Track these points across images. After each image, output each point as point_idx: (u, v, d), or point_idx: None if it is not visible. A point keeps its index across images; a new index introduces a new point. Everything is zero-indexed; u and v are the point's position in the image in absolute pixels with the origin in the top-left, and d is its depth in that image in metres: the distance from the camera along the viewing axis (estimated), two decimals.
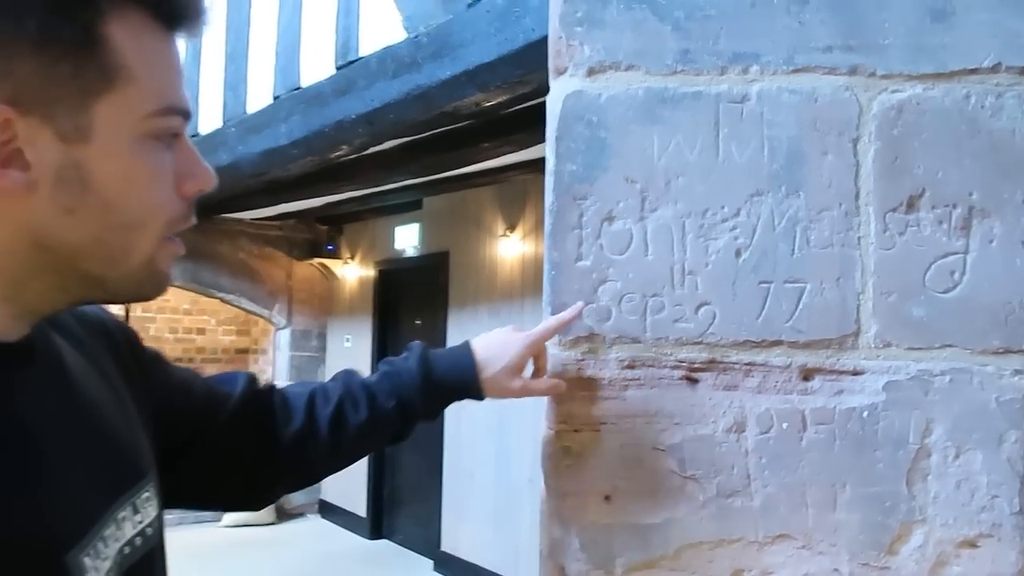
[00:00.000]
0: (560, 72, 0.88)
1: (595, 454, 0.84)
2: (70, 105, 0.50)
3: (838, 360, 0.84)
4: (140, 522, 0.61)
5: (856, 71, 0.85)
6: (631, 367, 0.84)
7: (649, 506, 0.83)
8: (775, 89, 0.86)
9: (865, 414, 0.83)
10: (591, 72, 0.87)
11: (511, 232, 4.52)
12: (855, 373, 0.83)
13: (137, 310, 6.60)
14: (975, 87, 0.84)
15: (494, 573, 4.44)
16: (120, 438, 0.63)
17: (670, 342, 0.84)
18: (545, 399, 0.86)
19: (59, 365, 0.59)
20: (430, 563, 4.96)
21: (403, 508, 5.57)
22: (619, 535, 0.83)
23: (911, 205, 0.84)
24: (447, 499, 4.92)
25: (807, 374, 0.84)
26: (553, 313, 0.85)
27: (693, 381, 0.84)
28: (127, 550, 0.58)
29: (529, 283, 4.46)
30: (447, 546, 4.86)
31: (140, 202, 0.54)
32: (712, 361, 0.84)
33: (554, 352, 0.84)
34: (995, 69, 0.84)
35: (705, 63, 0.86)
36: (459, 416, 4.90)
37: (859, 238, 0.84)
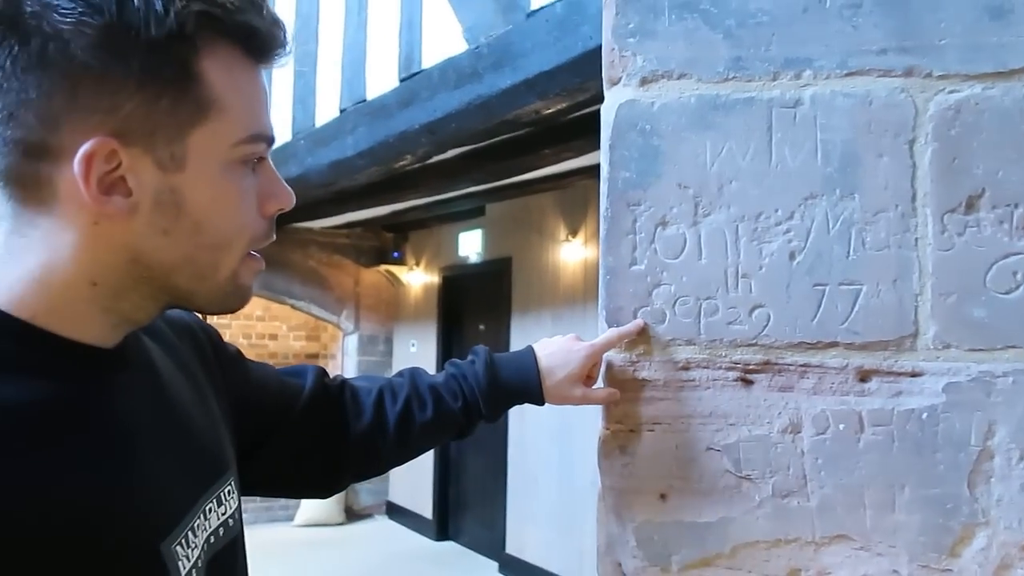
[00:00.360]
0: (613, 82, 0.91)
1: (650, 453, 0.86)
2: (168, 136, 0.54)
3: (896, 362, 0.84)
4: (224, 513, 0.66)
5: (911, 72, 0.85)
6: (686, 368, 0.86)
7: (705, 505, 0.85)
8: (828, 93, 0.86)
9: (924, 416, 0.82)
10: (644, 82, 0.89)
11: (573, 237, 4.54)
12: (914, 375, 0.83)
13: (213, 317, 6.84)
14: None
15: None
16: (204, 435, 0.68)
17: (724, 344, 0.85)
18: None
19: (150, 368, 0.65)
20: (495, 565, 5.00)
21: (468, 510, 5.64)
22: (675, 533, 0.85)
23: (970, 206, 0.83)
24: (512, 501, 4.96)
25: (864, 375, 0.84)
26: (608, 317, 0.87)
27: (748, 382, 0.85)
28: (212, 539, 0.63)
29: (591, 288, 4.47)
30: (512, 548, 4.89)
31: (228, 223, 0.58)
32: (767, 363, 0.85)
33: (610, 354, 0.87)
34: None
35: (757, 69, 0.87)
36: (523, 419, 4.94)
37: (916, 239, 0.84)
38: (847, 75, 0.85)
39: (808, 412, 0.84)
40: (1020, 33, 0.83)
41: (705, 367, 0.86)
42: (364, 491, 6.39)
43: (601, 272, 0.89)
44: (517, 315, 5.09)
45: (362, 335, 6.44)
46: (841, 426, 0.83)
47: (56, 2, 0.51)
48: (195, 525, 0.61)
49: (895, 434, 0.82)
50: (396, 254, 6.41)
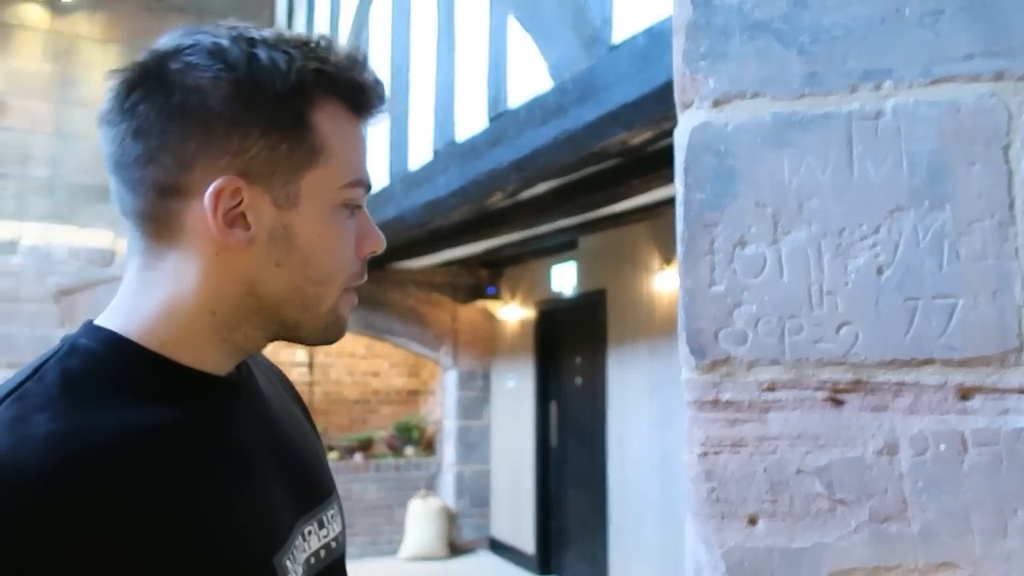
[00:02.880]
0: (687, 106, 0.91)
1: (738, 477, 0.84)
2: (284, 177, 0.62)
3: (1000, 378, 0.79)
4: (326, 536, 0.70)
5: (1002, 76, 0.82)
6: (771, 389, 0.84)
7: (797, 530, 0.82)
8: (912, 103, 0.84)
9: None
10: (717, 103, 0.89)
11: (667, 266, 4.49)
12: (1021, 391, 0.78)
13: (319, 355, 7.15)
14: None
15: None
16: (306, 460, 0.74)
17: (811, 363, 0.83)
18: (686, 424, 0.88)
19: (257, 395, 0.71)
20: None
21: (570, 545, 5.57)
22: (766, 559, 0.83)
23: None
24: (614, 537, 4.88)
25: (965, 393, 0.80)
26: (689, 339, 0.87)
27: (838, 403, 0.83)
28: (313, 560, 0.68)
29: None
30: None
31: (331, 259, 0.64)
32: (857, 382, 0.82)
33: (690, 376, 0.86)
34: None
35: (834, 83, 0.86)
36: (623, 452, 4.87)
37: (1016, 249, 0.80)
38: (931, 83, 0.83)
39: (905, 433, 0.80)
40: None
41: (791, 387, 0.84)
42: (466, 526, 6.44)
43: (680, 294, 0.89)
44: (613, 347, 5.05)
45: (461, 371, 6.54)
46: (942, 447, 0.79)
47: (197, 61, 0.59)
48: (296, 544, 0.65)
49: (1003, 454, 0.78)
50: (491, 290, 6.51)
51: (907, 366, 0.81)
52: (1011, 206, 0.80)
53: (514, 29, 2.81)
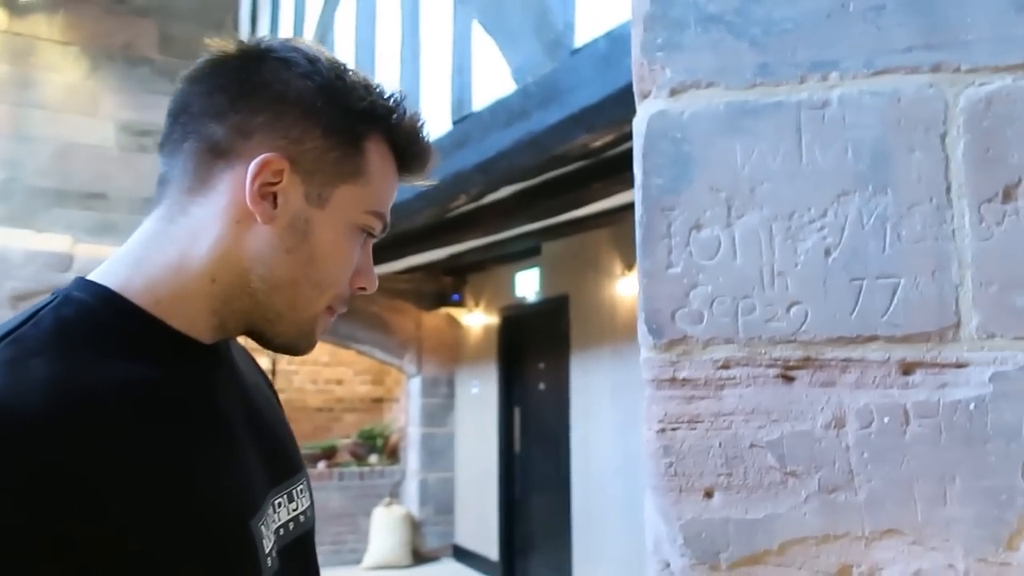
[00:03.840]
0: (644, 95, 0.94)
1: (694, 452, 0.87)
2: (323, 179, 0.68)
3: (939, 353, 0.83)
4: (295, 509, 0.73)
5: (939, 68, 0.86)
6: (726, 367, 0.87)
7: (751, 501, 0.85)
8: (856, 93, 0.88)
9: (972, 406, 0.82)
10: (673, 92, 0.92)
11: (629, 271, 4.54)
12: (958, 365, 0.82)
13: (282, 362, 7.08)
14: None
15: None
16: (277, 435, 0.76)
17: (763, 341, 0.86)
18: (645, 402, 0.90)
19: (235, 368, 0.74)
20: None
21: (535, 551, 5.58)
22: (722, 530, 0.85)
23: (1007, 195, 0.83)
24: (578, 542, 4.90)
25: (907, 368, 0.84)
26: (647, 319, 0.90)
27: (789, 379, 0.86)
28: (282, 531, 0.70)
29: None
30: None
31: (333, 268, 0.69)
32: (807, 359, 0.86)
33: (648, 355, 0.89)
34: None
35: (784, 74, 0.90)
36: (587, 458, 4.90)
37: (953, 231, 0.84)
38: (874, 74, 0.87)
39: (851, 407, 0.84)
40: None
41: (745, 365, 0.87)
42: (430, 534, 6.41)
43: (639, 276, 0.92)
44: (577, 352, 5.09)
45: (425, 378, 6.53)
46: (886, 419, 0.83)
47: (295, 59, 0.67)
48: (267, 514, 0.67)
49: (942, 426, 0.81)
50: (455, 297, 6.52)
51: (853, 343, 0.84)
52: (948, 190, 0.84)
53: (478, 33, 2.85)
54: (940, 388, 0.82)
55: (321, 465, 6.36)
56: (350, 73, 0.69)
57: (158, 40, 5.96)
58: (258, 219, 0.65)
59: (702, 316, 0.88)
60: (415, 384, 6.56)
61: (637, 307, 0.93)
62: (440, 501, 6.44)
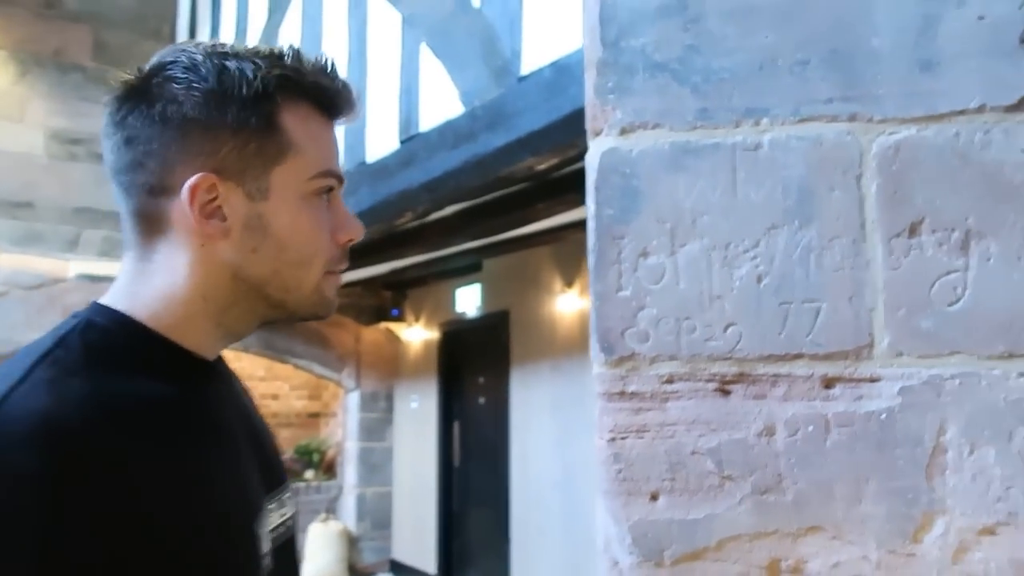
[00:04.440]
0: (596, 133, 1.04)
1: (641, 459, 0.96)
2: (255, 173, 0.68)
3: (856, 369, 0.94)
4: (283, 515, 0.78)
5: (855, 118, 0.98)
6: (670, 381, 0.96)
7: (692, 503, 0.94)
8: (784, 137, 0.99)
9: (883, 416, 0.92)
10: (623, 131, 1.02)
11: (569, 288, 4.66)
12: (872, 380, 0.93)
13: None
14: (964, 126, 0.96)
15: None
16: (268, 448, 0.81)
17: (703, 358, 0.96)
18: (596, 413, 0.99)
19: (232, 384, 0.79)
20: None
21: (473, 565, 5.61)
22: (666, 530, 0.94)
23: (913, 231, 0.95)
24: (516, 555, 4.95)
25: (828, 383, 0.94)
26: (599, 338, 0.98)
27: (726, 392, 0.96)
28: (273, 535, 0.74)
29: (589, 338, 4.56)
30: None
31: (306, 244, 0.70)
32: (742, 374, 0.96)
33: (600, 371, 0.97)
34: (981, 109, 0.95)
35: (721, 118, 1.00)
36: (525, 471, 4.97)
37: (867, 261, 0.95)
38: (800, 121, 0.98)
39: (780, 417, 0.94)
40: (947, 82, 0.96)
41: (687, 379, 0.96)
42: (368, 549, 6.36)
43: (592, 298, 1.00)
44: (516, 367, 5.17)
45: (363, 392, 6.50)
46: (810, 428, 0.93)
47: (174, 74, 0.66)
48: (268, 520, 0.73)
49: (858, 434, 0.92)
50: (395, 312, 6.53)
51: (782, 360, 0.95)
52: (863, 225, 0.95)
53: (426, 56, 2.92)
54: (856, 400, 0.93)
55: None
56: (233, 59, 0.67)
57: (92, 47, 5.81)
58: (216, 236, 0.68)
59: (648, 335, 0.97)
60: (353, 398, 6.52)
61: (590, 326, 1.02)
62: (377, 516, 6.41)
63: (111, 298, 0.70)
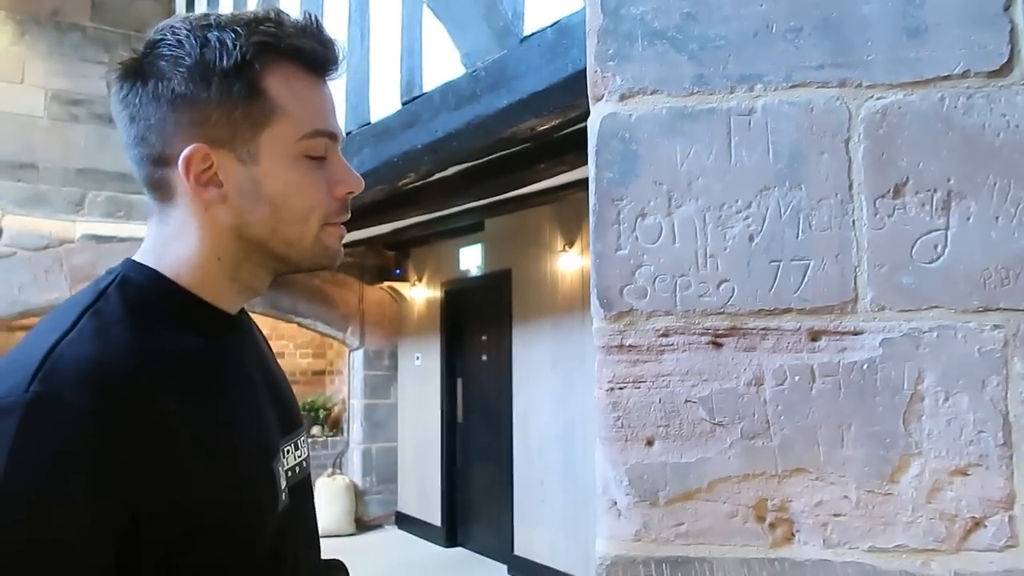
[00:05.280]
0: (597, 99, 1.08)
1: (638, 407, 1.02)
2: (244, 139, 0.72)
3: (840, 323, 1.00)
4: (299, 456, 0.84)
5: (845, 83, 1.02)
6: (665, 335, 1.02)
7: (685, 448, 1.01)
8: (777, 102, 1.03)
9: (865, 367, 0.99)
10: (623, 97, 1.06)
11: (570, 248, 4.71)
12: (855, 333, 0.99)
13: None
14: (948, 91, 1.01)
15: (566, 574, 4.58)
16: (285, 394, 0.87)
17: (697, 313, 1.02)
18: (596, 365, 1.05)
19: (254, 335, 0.85)
20: (504, 567, 5.12)
21: (476, 517, 5.76)
22: (661, 472, 1.01)
23: (897, 192, 1.00)
24: (519, 506, 5.09)
25: (814, 336, 1.00)
26: (599, 295, 1.04)
27: (718, 345, 1.02)
28: (290, 474, 0.81)
29: (589, 295, 4.63)
30: (520, 550, 5.02)
31: (300, 202, 0.74)
32: (733, 328, 1.02)
33: (600, 325, 1.04)
34: (965, 75, 1.00)
35: (717, 84, 1.04)
36: (527, 426, 5.08)
37: (853, 221, 1.00)
38: (792, 87, 1.03)
39: (768, 367, 1.00)
40: (933, 48, 1.00)
41: (681, 333, 1.02)
42: (373, 503, 6.52)
43: (592, 257, 1.06)
44: (518, 324, 5.25)
45: (367, 350, 6.59)
46: (796, 378, 0.99)
47: (163, 52, 0.70)
48: (286, 457, 0.79)
49: (841, 383, 0.98)
50: (398, 271, 6.58)
51: (771, 315, 1.01)
52: (850, 187, 1.00)
53: (428, 18, 2.92)
54: (840, 352, 0.99)
55: None
56: (215, 30, 0.70)
57: (90, 6, 5.76)
58: (216, 202, 0.72)
59: (646, 292, 1.03)
60: (358, 356, 6.62)
61: (590, 284, 1.07)
62: (383, 470, 6.56)
63: (142, 256, 0.75)
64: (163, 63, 0.70)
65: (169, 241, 0.75)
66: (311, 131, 0.74)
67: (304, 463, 0.85)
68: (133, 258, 0.76)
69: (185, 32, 0.70)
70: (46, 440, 0.60)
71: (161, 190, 0.74)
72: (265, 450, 0.75)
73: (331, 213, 0.77)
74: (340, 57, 0.77)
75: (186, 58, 0.70)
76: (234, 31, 0.70)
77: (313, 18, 0.75)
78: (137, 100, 0.71)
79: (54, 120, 5.66)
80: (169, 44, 0.70)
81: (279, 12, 0.74)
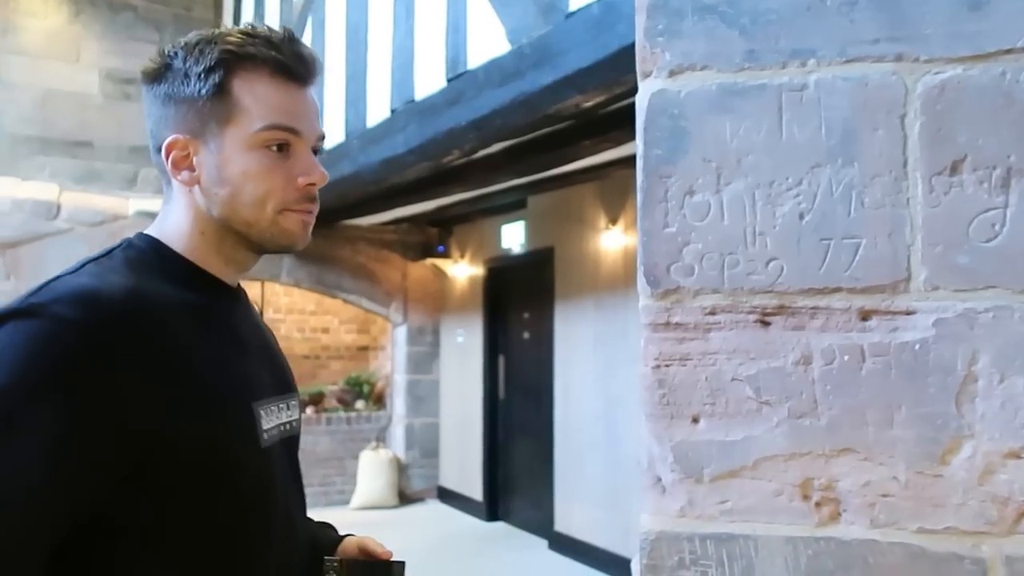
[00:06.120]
0: (646, 75, 1.07)
1: (684, 385, 1.03)
2: (212, 131, 0.85)
3: (892, 302, 0.99)
4: (289, 416, 0.95)
5: (901, 58, 1.00)
6: (712, 313, 1.02)
7: (731, 426, 1.01)
8: (830, 78, 1.02)
9: (917, 347, 0.97)
10: (672, 73, 1.05)
11: (613, 225, 4.68)
12: (908, 313, 0.98)
13: (269, 312, 7.18)
14: (1010, 65, 0.98)
15: (606, 551, 4.61)
16: (279, 362, 0.99)
17: (745, 291, 1.01)
18: (642, 343, 1.05)
19: (250, 308, 0.98)
20: (544, 543, 5.18)
21: (517, 492, 5.82)
22: (706, 450, 1.01)
23: (954, 169, 0.98)
24: (559, 482, 5.13)
25: (865, 315, 0.99)
26: (645, 272, 1.04)
27: (766, 324, 1.01)
28: (282, 428, 0.92)
29: (632, 274, 4.61)
30: (560, 526, 5.06)
31: (256, 188, 0.86)
32: (781, 307, 1.01)
33: (646, 303, 1.04)
34: None
35: (768, 60, 1.03)
36: (568, 404, 5.10)
37: (908, 199, 0.99)
38: (846, 62, 1.00)
39: (817, 347, 0.99)
40: (994, 22, 0.97)
41: (729, 311, 1.02)
42: (416, 476, 6.63)
43: (639, 235, 1.06)
44: (560, 303, 5.25)
45: (411, 327, 6.67)
46: (846, 357, 0.98)
47: (165, 62, 0.87)
48: (272, 408, 0.90)
49: (892, 363, 0.97)
50: (441, 248, 6.63)
51: (820, 294, 0.99)
52: (905, 164, 0.98)
53: None
54: (892, 331, 0.98)
55: (309, 410, 6.52)
56: (201, 44, 0.85)
57: None
58: (190, 184, 0.86)
59: (693, 269, 1.03)
60: (401, 332, 6.70)
61: (637, 261, 1.07)
62: (425, 445, 6.66)
63: (150, 229, 0.89)
64: (165, 70, 0.87)
65: (168, 217, 0.89)
66: (267, 125, 0.85)
67: (295, 422, 0.96)
68: (143, 231, 0.90)
69: (183, 45, 0.86)
70: (33, 343, 0.70)
71: (164, 175, 0.89)
72: (246, 390, 0.85)
73: (290, 200, 0.87)
74: (310, 65, 0.89)
75: (175, 63, 0.86)
76: (212, 43, 0.85)
77: (286, 31, 0.89)
78: (148, 100, 0.88)
79: (108, 98, 5.81)
80: (169, 55, 0.86)
81: (255, 26, 0.89)
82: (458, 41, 2.98)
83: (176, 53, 0.86)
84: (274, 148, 0.86)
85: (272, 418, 0.88)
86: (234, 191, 0.85)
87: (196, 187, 0.86)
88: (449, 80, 3.05)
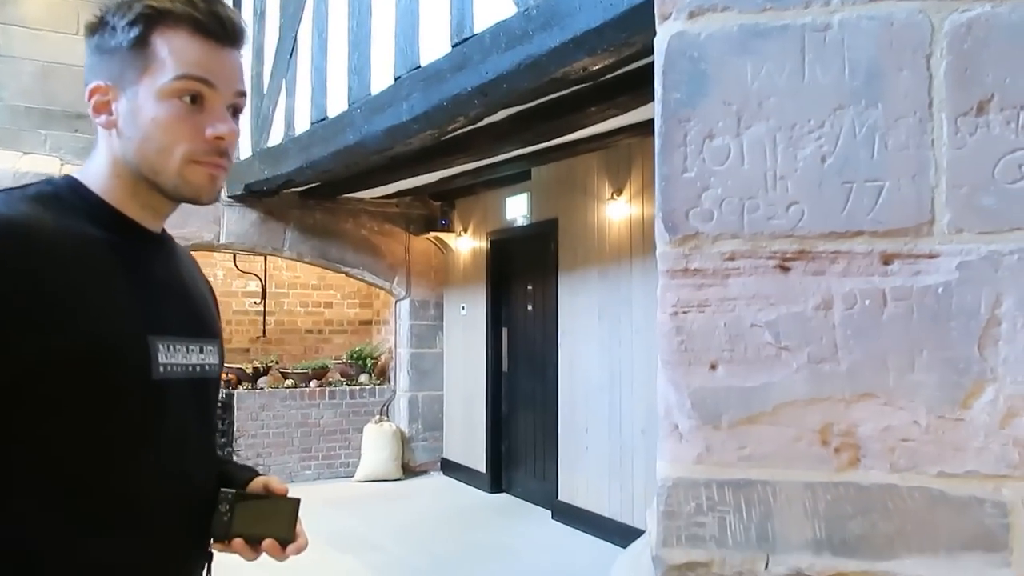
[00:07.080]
0: (665, 17, 1.05)
1: (702, 331, 1.01)
2: (130, 79, 0.91)
3: (915, 245, 0.97)
4: (203, 359, 0.99)
5: None
6: (731, 259, 1.01)
7: (750, 372, 1.00)
8: (855, 17, 0.99)
9: (940, 290, 0.96)
10: (691, 15, 1.03)
11: (618, 196, 4.65)
12: (931, 256, 0.96)
13: (272, 285, 7.18)
14: None
15: (610, 519, 4.64)
16: (199, 309, 1.03)
17: (765, 236, 1.00)
18: (659, 290, 1.04)
19: (174, 255, 1.02)
20: (548, 513, 5.21)
21: (521, 464, 5.84)
22: (724, 396, 1.00)
23: (981, 109, 0.96)
24: (563, 453, 5.15)
25: (887, 259, 0.98)
26: (664, 218, 1.02)
27: (786, 269, 1.00)
28: (191, 369, 0.96)
29: (637, 244, 4.59)
30: (564, 496, 5.09)
31: (164, 136, 0.90)
32: (802, 251, 0.99)
33: (664, 249, 1.02)
34: None
35: (791, 0, 1.01)
36: (572, 375, 5.11)
37: (932, 140, 0.97)
38: (871, 1, 0.98)
39: (838, 291, 0.98)
40: None
41: (748, 257, 1.00)
42: (420, 449, 6.66)
43: (657, 180, 1.04)
44: (564, 274, 5.24)
45: (414, 300, 6.67)
46: (867, 302, 0.97)
47: (100, 16, 0.93)
48: (177, 347, 0.94)
49: (914, 307, 0.96)
50: (443, 221, 6.60)
51: (842, 238, 0.98)
52: (930, 105, 0.96)
53: None
54: (914, 275, 0.97)
55: (313, 384, 6.53)
56: (131, 1, 0.91)
57: None
58: (108, 127, 0.90)
59: (712, 215, 1.01)
60: (404, 306, 6.70)
61: (655, 207, 1.06)
62: (429, 418, 6.68)
63: (75, 171, 0.94)
64: (100, 25, 0.92)
65: (92, 160, 0.93)
66: (179, 75, 0.89)
67: (209, 367, 1.00)
68: (71, 173, 0.94)
69: (119, 2, 0.92)
70: None
71: (91, 119, 0.93)
72: (143, 324, 0.89)
73: (198, 152, 0.90)
74: (228, 26, 0.93)
75: (107, 19, 0.91)
76: (131, 4, 0.91)
77: None
78: (87, 52, 0.93)
79: None
80: (106, 11, 0.92)
81: None
82: (464, 4, 2.94)
83: (109, 9, 0.92)
84: (187, 99, 0.90)
85: (175, 356, 0.93)
86: (144, 138, 0.89)
87: (114, 132, 0.90)
88: (454, 45, 3.01)
